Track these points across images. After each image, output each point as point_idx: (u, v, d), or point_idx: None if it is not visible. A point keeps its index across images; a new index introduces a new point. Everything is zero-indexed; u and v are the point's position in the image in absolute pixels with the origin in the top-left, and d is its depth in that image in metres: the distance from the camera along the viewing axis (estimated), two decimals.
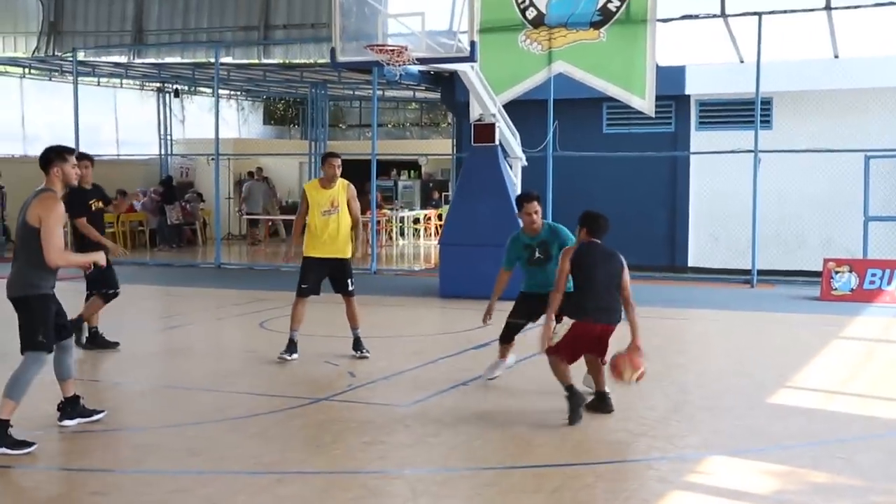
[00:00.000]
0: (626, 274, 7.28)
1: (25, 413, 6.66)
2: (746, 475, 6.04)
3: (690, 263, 18.07)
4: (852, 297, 14.06)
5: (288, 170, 27.58)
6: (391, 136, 32.09)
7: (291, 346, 9.48)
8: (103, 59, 23.43)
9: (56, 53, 24.96)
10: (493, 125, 14.21)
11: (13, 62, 23.77)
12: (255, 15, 27.66)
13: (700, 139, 17.94)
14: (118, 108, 26.80)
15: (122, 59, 23.99)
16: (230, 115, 29.90)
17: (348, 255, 9.63)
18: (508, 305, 8.39)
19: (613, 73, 15.88)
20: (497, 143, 14.32)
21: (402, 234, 25.67)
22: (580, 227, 7.38)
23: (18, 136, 24.11)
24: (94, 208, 9.98)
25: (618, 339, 7.30)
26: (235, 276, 18.11)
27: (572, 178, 16.86)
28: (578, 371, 7.52)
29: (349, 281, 9.56)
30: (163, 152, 26.78)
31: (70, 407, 7.01)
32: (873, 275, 14.19)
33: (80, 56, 21.65)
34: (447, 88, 19.49)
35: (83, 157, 10.08)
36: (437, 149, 28.22)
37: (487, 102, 14.26)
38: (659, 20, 15.82)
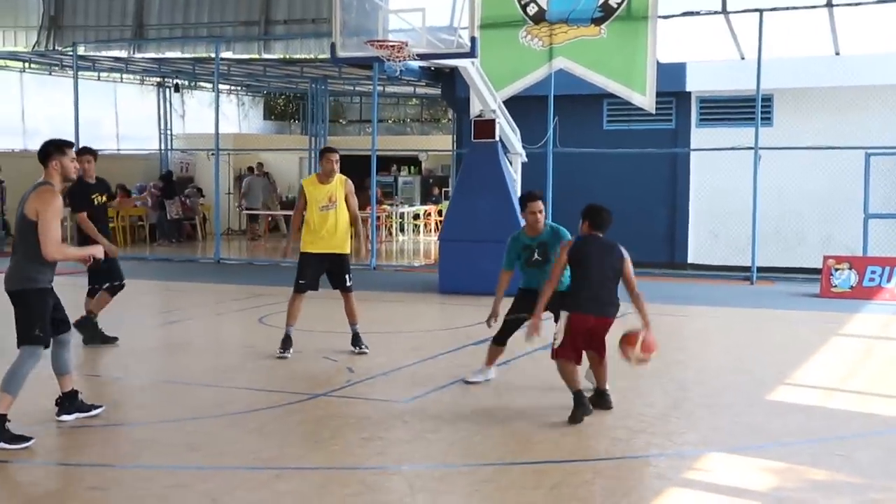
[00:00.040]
0: (629, 265, 7.23)
1: (23, 408, 6.65)
2: (745, 472, 6.03)
3: (690, 260, 18.06)
4: (852, 295, 14.06)
5: (288, 165, 27.56)
6: (391, 132, 32.09)
7: (287, 342, 9.47)
8: (103, 53, 23.40)
9: (56, 48, 24.94)
10: (493, 121, 14.20)
11: (13, 56, 23.75)
12: (255, 10, 27.61)
13: (700, 136, 17.92)
14: (118, 102, 26.78)
15: (123, 54, 23.95)
16: (230, 110, 29.88)
17: (346, 250, 9.61)
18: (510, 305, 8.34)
19: (614, 69, 15.87)
20: (497, 139, 14.31)
21: (401, 229, 25.67)
22: (582, 220, 7.35)
23: (18, 130, 24.10)
24: (97, 202, 9.97)
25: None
26: (235, 271, 18.10)
27: (572, 174, 16.86)
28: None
29: (347, 277, 9.55)
30: (163, 147, 26.77)
31: (68, 402, 7.01)
32: (873, 272, 14.19)
33: (81, 50, 21.63)
34: (447, 84, 19.48)
35: (86, 152, 10.09)
36: (437, 145, 28.21)
37: (488, 98, 14.24)
38: (660, 16, 15.81)
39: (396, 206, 26.03)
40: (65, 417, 6.97)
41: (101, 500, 5.49)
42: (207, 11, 27.76)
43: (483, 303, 12.73)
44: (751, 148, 15.85)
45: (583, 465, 6.17)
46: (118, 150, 24.25)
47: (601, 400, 7.38)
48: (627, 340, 7.19)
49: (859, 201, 15.60)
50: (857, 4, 16.36)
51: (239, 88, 29.72)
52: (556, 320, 7.51)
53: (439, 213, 25.09)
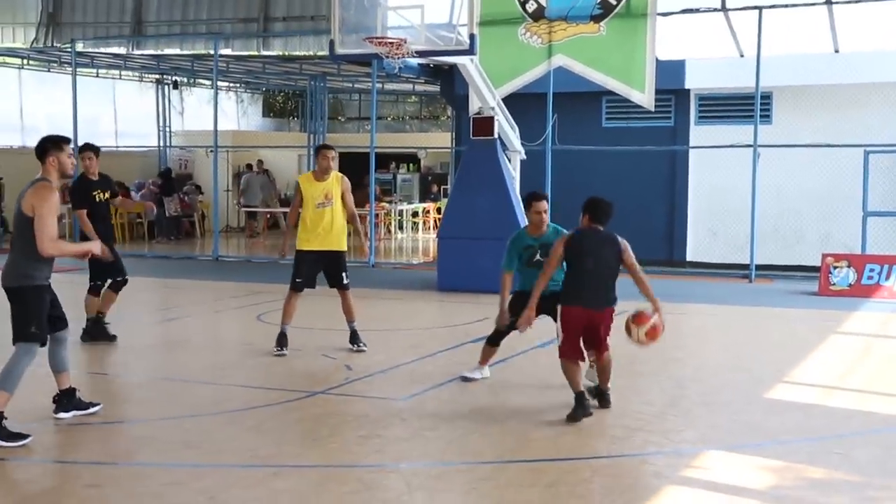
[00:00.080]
0: (629, 254, 7.16)
1: (20, 405, 6.64)
2: (743, 470, 6.03)
3: (689, 258, 18.05)
4: (850, 293, 14.06)
5: (287, 162, 27.55)
6: (390, 129, 32.06)
7: (283, 340, 9.46)
8: (102, 50, 23.37)
9: (55, 44, 24.88)
10: (492, 118, 14.19)
11: (12, 53, 23.71)
12: (254, 7, 27.56)
13: (699, 133, 17.91)
14: (117, 99, 26.76)
15: (121, 51, 23.91)
16: (229, 107, 29.86)
17: (343, 248, 9.59)
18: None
19: (613, 66, 15.86)
20: (496, 136, 14.29)
21: (400, 227, 25.65)
22: (583, 213, 7.30)
23: (17, 127, 24.08)
24: (98, 199, 9.95)
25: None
26: (233, 268, 18.09)
27: (571, 171, 16.84)
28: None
29: (344, 274, 9.52)
30: (161, 144, 26.74)
31: (66, 399, 6.99)
32: (871, 270, 14.18)
33: (79, 47, 21.61)
34: (446, 81, 19.46)
35: (88, 148, 10.09)
36: (436, 142, 28.17)
37: (487, 96, 14.23)
38: (659, 14, 15.80)
39: (395, 203, 26.02)
40: (62, 415, 6.96)
41: (97, 497, 5.48)
42: (206, 8, 27.70)
43: (482, 300, 12.80)
44: (750, 146, 15.84)
45: (580, 463, 6.16)
46: (117, 146, 24.20)
47: (600, 399, 7.36)
48: (636, 319, 7.18)
49: (858, 199, 15.60)
50: (856, 2, 16.34)
51: (238, 85, 29.69)
52: (555, 320, 7.50)
53: (438, 210, 25.08)
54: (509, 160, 14.96)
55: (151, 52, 24.01)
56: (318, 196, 9.39)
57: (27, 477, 5.99)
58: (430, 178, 28.71)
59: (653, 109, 16.06)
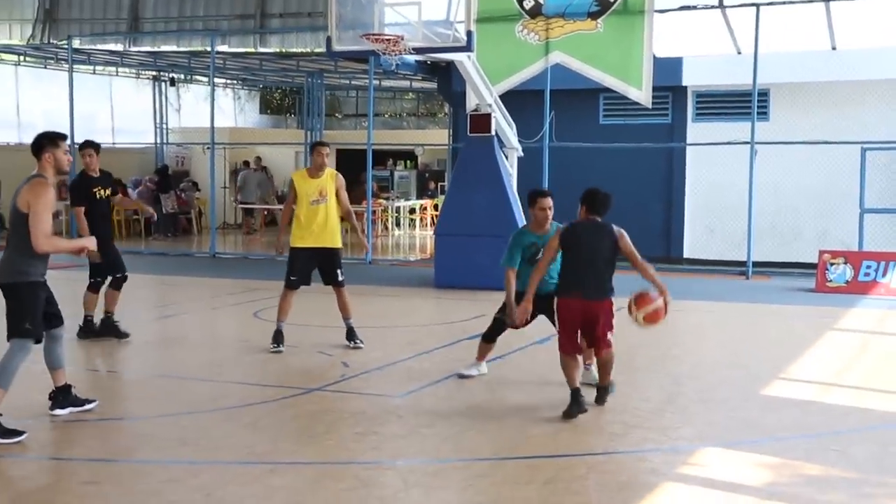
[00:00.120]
0: (626, 242, 7.09)
1: (16, 402, 6.64)
2: (740, 467, 6.03)
3: (686, 255, 18.05)
4: (847, 289, 14.06)
5: (284, 159, 27.52)
6: (387, 126, 32.01)
7: (278, 337, 9.45)
8: (99, 46, 23.34)
9: (51, 41, 24.90)
10: (489, 115, 14.18)
11: (8, 49, 23.67)
12: (251, 3, 27.58)
13: (697, 130, 17.90)
14: (114, 96, 26.71)
15: (118, 47, 23.92)
16: (226, 104, 29.81)
17: (337, 244, 9.57)
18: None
19: (610, 63, 15.85)
20: (493, 133, 14.28)
21: (397, 224, 25.64)
22: (580, 204, 7.27)
23: (13, 123, 24.05)
24: (99, 196, 9.93)
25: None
26: (230, 265, 18.08)
27: (568, 168, 16.82)
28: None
29: (338, 272, 9.50)
30: (158, 141, 26.70)
31: (62, 396, 6.98)
32: (868, 267, 14.19)
33: (76, 44, 21.54)
34: (444, 78, 19.44)
35: (88, 145, 10.08)
36: (433, 139, 28.14)
37: (484, 92, 14.22)
38: (656, 11, 15.80)
39: (392, 200, 26.01)
40: (58, 412, 6.95)
41: (94, 494, 5.47)
42: (203, 5, 27.73)
43: (479, 297, 12.81)
44: (747, 143, 15.84)
45: (577, 459, 6.16)
46: (113, 143, 24.17)
47: (597, 395, 7.32)
48: (637, 301, 7.14)
49: (855, 196, 15.60)
50: None
51: (235, 82, 29.66)
52: (552, 320, 7.49)
53: (435, 207, 25.07)
54: (506, 157, 14.95)
55: (148, 48, 24.02)
56: (313, 193, 9.38)
57: (23, 474, 5.98)
58: (427, 174, 28.70)
59: (650, 106, 16.06)
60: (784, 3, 16.25)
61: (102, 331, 10.00)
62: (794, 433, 6.80)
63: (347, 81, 27.82)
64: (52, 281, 6.82)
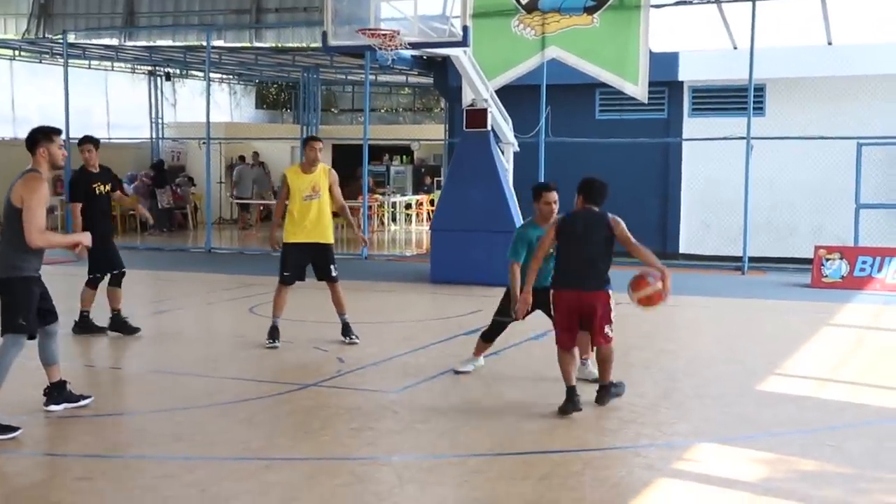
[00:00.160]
0: (621, 228, 7.01)
1: (10, 398, 6.62)
2: (735, 463, 6.03)
3: (681, 250, 18.06)
4: (843, 285, 14.07)
5: (280, 154, 27.50)
6: (383, 121, 32.00)
7: (274, 332, 9.44)
8: (94, 41, 23.27)
9: (46, 36, 24.83)
10: (485, 110, 14.16)
11: (3, 44, 23.63)
12: None
13: (693, 126, 17.91)
14: (109, 91, 26.65)
15: (113, 42, 23.83)
16: (222, 98, 29.77)
17: (330, 240, 9.56)
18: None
19: (606, 58, 15.82)
20: (489, 128, 14.27)
21: (393, 219, 25.63)
22: (577, 194, 7.23)
23: (8, 118, 23.96)
24: (98, 192, 9.90)
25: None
26: (226, 260, 18.05)
27: (564, 164, 16.79)
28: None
29: (332, 267, 9.49)
30: (154, 136, 26.65)
31: (56, 392, 6.97)
32: (864, 262, 14.20)
33: (71, 38, 21.51)
34: (440, 73, 19.43)
35: (88, 141, 10.06)
36: (429, 134, 28.15)
37: (480, 87, 14.20)
38: (652, 6, 15.78)
39: (388, 195, 25.98)
40: (53, 407, 6.93)
41: (88, 490, 5.46)
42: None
43: (475, 292, 12.80)
44: (743, 138, 15.83)
45: (572, 455, 6.16)
46: (109, 138, 24.11)
47: (598, 395, 7.18)
48: (634, 284, 7.06)
49: (851, 191, 15.60)
50: None
51: (230, 77, 29.62)
52: (549, 315, 7.47)
53: (431, 202, 25.05)
54: (502, 152, 14.93)
55: (144, 43, 23.94)
56: (306, 188, 9.36)
57: (17, 470, 5.96)
58: (423, 170, 28.67)
59: (646, 101, 16.03)
60: None
61: (113, 328, 10.02)
62: (789, 429, 6.80)
63: (343, 76, 27.80)
64: (46, 276, 6.81)
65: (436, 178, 26.99)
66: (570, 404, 6.94)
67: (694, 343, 10.51)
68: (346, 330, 9.58)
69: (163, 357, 9.43)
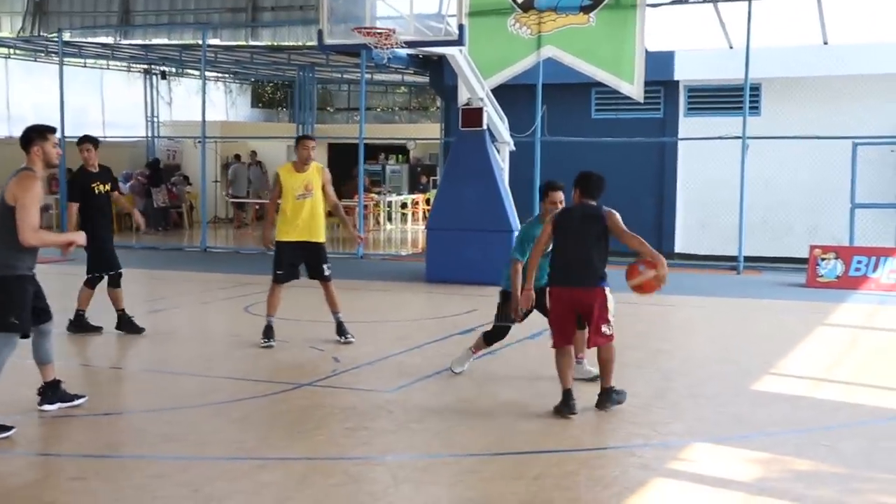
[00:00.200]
0: (615, 220, 6.93)
1: (4, 397, 6.61)
2: (729, 462, 6.03)
3: (677, 249, 18.07)
4: (838, 284, 14.08)
5: (276, 153, 27.47)
6: (379, 120, 31.99)
7: (269, 332, 9.43)
8: (89, 40, 23.24)
9: (42, 34, 24.78)
10: (480, 109, 14.16)
11: None
12: None
13: (688, 125, 17.91)
14: (105, 89, 26.60)
15: (109, 41, 23.79)
16: (218, 97, 29.73)
17: (322, 239, 9.54)
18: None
19: (602, 58, 15.83)
20: (485, 127, 14.27)
21: (389, 218, 25.61)
22: (574, 188, 7.18)
23: (3, 117, 23.91)
24: (97, 191, 9.87)
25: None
26: (221, 259, 18.03)
27: (560, 163, 16.74)
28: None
29: (325, 266, 9.48)
30: (149, 134, 26.61)
31: (50, 391, 6.95)
32: (859, 262, 14.21)
33: (66, 37, 21.46)
34: (436, 72, 19.41)
35: (87, 140, 10.04)
36: (425, 133, 28.11)
37: (476, 87, 14.20)
38: (648, 5, 15.79)
39: (384, 194, 25.97)
40: (47, 407, 6.92)
41: (82, 490, 5.44)
42: None
43: (470, 292, 12.79)
44: (738, 137, 15.84)
45: (567, 455, 6.15)
46: (104, 137, 24.06)
47: (599, 399, 7.05)
48: (628, 274, 6.99)
49: (846, 191, 15.61)
50: None
51: (226, 76, 29.58)
52: (545, 314, 7.44)
53: (427, 201, 25.04)
54: (498, 151, 14.93)
55: (139, 41, 23.90)
56: (299, 187, 9.34)
57: (10, 469, 5.93)
58: (419, 169, 28.66)
59: (642, 101, 16.05)
60: None
61: (120, 328, 10.02)
62: (783, 428, 6.80)
63: (339, 75, 27.76)
64: (41, 275, 6.78)
65: (431, 178, 26.99)
66: (566, 407, 6.91)
67: (689, 343, 10.51)
68: (341, 329, 9.57)
69: (157, 356, 9.42)
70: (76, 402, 7.03)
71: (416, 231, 24.12)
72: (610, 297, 7.03)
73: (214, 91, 29.07)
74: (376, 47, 12.65)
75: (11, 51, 23.95)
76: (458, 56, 13.64)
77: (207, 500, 5.25)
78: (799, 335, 10.41)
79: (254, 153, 25.75)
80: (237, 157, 25.75)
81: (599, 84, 16.36)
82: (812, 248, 14.61)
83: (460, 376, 8.17)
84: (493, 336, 8.10)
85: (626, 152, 17.45)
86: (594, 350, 7.15)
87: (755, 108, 17.01)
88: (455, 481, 5.68)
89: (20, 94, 24.36)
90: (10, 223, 6.31)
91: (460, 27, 13.07)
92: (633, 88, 15.73)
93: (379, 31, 12.53)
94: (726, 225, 16.86)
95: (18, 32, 27.23)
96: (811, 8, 16.92)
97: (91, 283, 10.01)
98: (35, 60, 24.46)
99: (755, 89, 16.92)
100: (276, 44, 23.57)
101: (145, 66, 26.91)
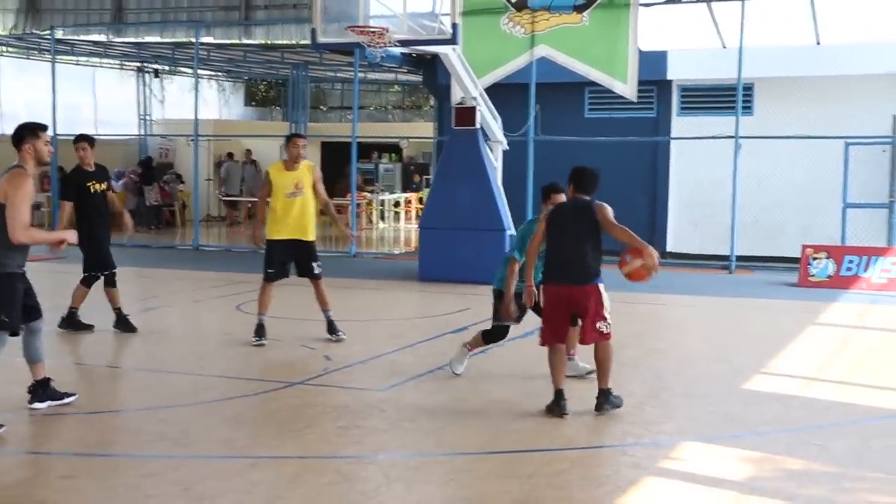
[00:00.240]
0: (604, 214, 6.87)
1: None
2: (721, 461, 6.03)
3: (669, 249, 18.06)
4: (829, 284, 14.11)
5: (269, 151, 27.42)
6: (373, 119, 31.96)
7: (260, 330, 9.41)
8: (82, 37, 23.16)
9: (34, 31, 24.66)
10: (474, 108, 14.16)
11: None
12: None
13: (681, 125, 17.92)
14: (97, 87, 26.53)
15: (101, 38, 23.72)
16: (210, 95, 29.67)
17: (312, 237, 9.53)
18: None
19: (596, 57, 15.84)
20: (478, 126, 14.26)
21: (382, 217, 25.59)
22: (568, 183, 7.15)
23: None
24: (93, 190, 9.83)
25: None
26: (213, 258, 17.99)
27: (553, 162, 16.73)
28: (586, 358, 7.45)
29: (314, 264, 9.47)
30: (142, 133, 26.55)
31: (41, 389, 6.93)
32: (850, 261, 14.24)
33: (59, 34, 21.40)
34: (429, 71, 19.40)
35: (82, 139, 10.01)
36: (418, 132, 28.10)
37: (469, 85, 14.19)
38: (642, 4, 15.81)
39: (377, 193, 25.95)
40: (37, 405, 6.89)
41: (72, 489, 5.42)
42: None
43: (463, 290, 12.79)
44: (731, 137, 15.86)
45: (559, 454, 6.15)
46: (97, 135, 23.96)
47: (597, 401, 6.97)
48: (620, 264, 6.96)
49: (838, 191, 15.65)
50: None
51: (219, 74, 29.52)
52: (538, 313, 7.42)
53: (420, 200, 25.02)
54: (491, 150, 14.93)
55: (132, 39, 23.83)
56: (289, 186, 9.33)
57: (0, 468, 5.91)
58: (412, 167, 28.64)
59: (635, 100, 16.06)
60: None
61: (118, 327, 10.00)
62: (775, 427, 6.81)
63: (332, 74, 27.75)
64: (32, 273, 6.76)
65: (424, 176, 26.97)
66: (557, 407, 6.90)
67: (681, 342, 10.51)
68: (331, 327, 9.56)
69: (149, 355, 9.39)
70: (66, 401, 7.01)
71: (408, 230, 24.11)
72: (605, 294, 6.99)
73: (207, 89, 29.01)
74: (370, 46, 12.64)
75: (4, 48, 23.88)
76: (451, 55, 13.64)
77: (198, 498, 5.23)
78: (790, 334, 10.43)
79: (248, 152, 25.70)
80: (230, 155, 25.71)
81: (593, 83, 16.37)
82: (804, 247, 14.64)
83: (451, 375, 8.12)
84: (492, 336, 8.05)
85: (619, 152, 17.45)
86: (586, 347, 7.14)
87: (748, 108, 17.03)
88: (447, 480, 5.67)
89: (12, 91, 24.30)
90: (1, 221, 6.28)
91: (454, 26, 13.07)
92: (627, 88, 15.74)
93: (372, 29, 12.53)
94: (718, 224, 16.87)
95: (10, 30, 27.13)
96: (804, 8, 16.95)
97: (87, 282, 9.99)
98: (27, 58, 24.40)
99: (748, 89, 16.94)
100: (269, 42, 23.52)
101: (138, 64, 26.84)
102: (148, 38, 23.93)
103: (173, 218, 25.06)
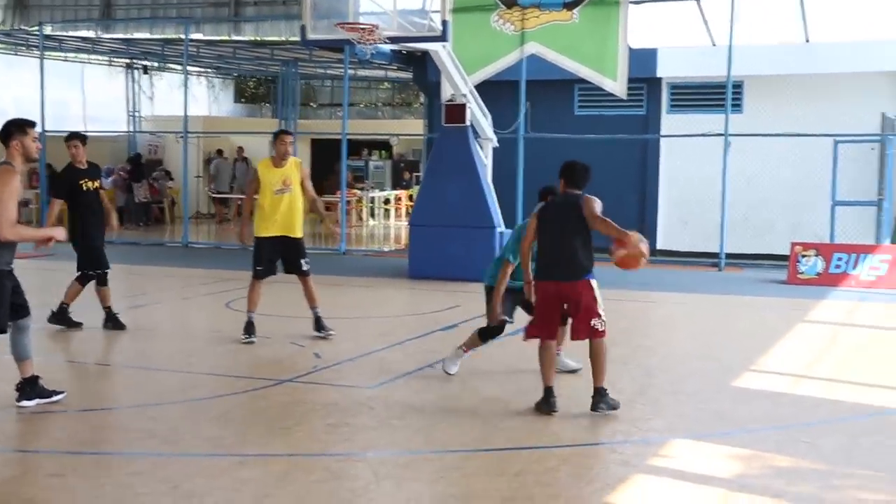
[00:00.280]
0: (590, 206, 6.80)
1: None
2: (710, 459, 6.04)
3: (659, 246, 18.06)
4: (818, 281, 14.15)
5: (259, 148, 27.35)
6: (362, 116, 31.89)
7: (250, 328, 9.39)
8: (70, 33, 23.07)
9: (22, 27, 24.57)
10: (464, 106, 14.15)
11: None
12: None
13: (671, 122, 17.95)
14: (86, 83, 26.41)
15: (90, 34, 23.64)
16: (200, 92, 29.57)
17: (299, 234, 9.51)
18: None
19: (586, 54, 15.86)
20: (468, 123, 14.26)
21: (372, 214, 25.57)
22: (559, 178, 7.10)
23: None
24: (85, 188, 9.79)
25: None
26: (202, 255, 17.95)
27: (543, 159, 16.71)
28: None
29: (302, 261, 9.45)
30: (131, 129, 26.46)
31: (29, 387, 6.89)
32: (839, 259, 14.28)
33: (47, 30, 21.32)
34: (419, 68, 19.38)
35: (74, 137, 9.98)
36: (408, 129, 28.06)
37: (459, 83, 14.18)
38: (631, 2, 15.84)
39: (367, 190, 25.92)
40: (25, 403, 6.86)
41: (60, 487, 5.40)
42: None
43: (453, 288, 12.78)
44: (721, 135, 15.89)
45: (548, 451, 6.14)
46: (85, 131, 23.88)
47: (593, 400, 6.90)
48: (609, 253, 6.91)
49: (827, 188, 15.70)
50: None
51: (209, 71, 29.43)
52: (528, 311, 7.41)
53: (410, 197, 25.01)
54: (481, 147, 14.92)
55: (121, 35, 23.76)
56: (277, 182, 9.32)
57: None
58: (402, 165, 28.63)
59: (625, 98, 16.09)
60: None
61: (108, 325, 9.98)
62: (764, 425, 6.83)
63: (322, 70, 27.69)
64: (20, 270, 6.73)
65: (414, 174, 26.96)
66: (546, 405, 6.89)
67: (670, 339, 10.53)
68: (319, 324, 9.54)
69: (138, 352, 9.35)
70: (55, 398, 6.98)
71: (398, 227, 24.09)
72: (597, 290, 6.97)
73: (197, 86, 28.91)
74: (359, 43, 12.62)
75: None
76: (441, 52, 13.63)
77: (187, 496, 5.21)
78: (779, 332, 10.45)
79: (240, 149, 25.63)
80: (219, 152, 25.63)
81: (582, 81, 16.38)
82: (793, 245, 14.68)
83: (441, 373, 8.10)
84: (488, 333, 8.00)
85: (609, 149, 17.45)
86: (576, 343, 7.13)
87: (737, 106, 17.07)
88: (436, 478, 5.67)
89: (0, 87, 24.16)
90: None
91: (444, 23, 13.06)
92: (616, 85, 15.76)
93: (362, 26, 12.51)
94: (708, 222, 16.91)
95: None
96: (793, 6, 16.99)
97: (82, 281, 9.96)
98: (16, 54, 24.27)
99: (737, 87, 16.98)
100: (259, 39, 23.50)
101: (127, 61, 26.73)
102: (137, 35, 23.88)
103: (162, 215, 24.99)
